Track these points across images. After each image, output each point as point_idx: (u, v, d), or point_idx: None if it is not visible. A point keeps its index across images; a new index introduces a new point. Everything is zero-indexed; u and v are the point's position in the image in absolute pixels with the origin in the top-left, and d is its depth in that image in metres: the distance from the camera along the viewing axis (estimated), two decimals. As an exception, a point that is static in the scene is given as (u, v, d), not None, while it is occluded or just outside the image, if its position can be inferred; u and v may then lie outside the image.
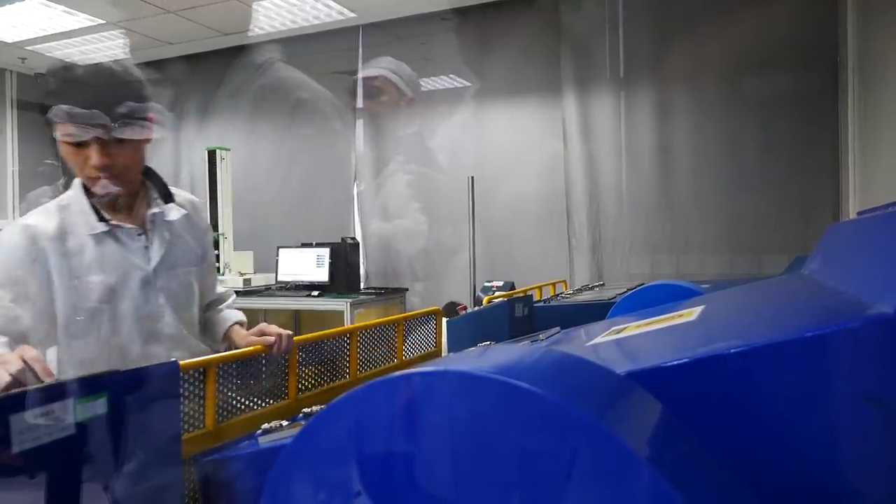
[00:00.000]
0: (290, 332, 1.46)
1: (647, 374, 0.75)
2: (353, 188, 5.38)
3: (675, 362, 0.75)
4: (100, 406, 0.80)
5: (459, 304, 4.38)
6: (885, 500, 0.66)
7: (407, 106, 4.86)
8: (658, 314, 1.48)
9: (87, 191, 1.56)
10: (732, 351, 0.73)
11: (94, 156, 1.47)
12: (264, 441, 1.00)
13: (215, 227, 5.03)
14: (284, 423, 1.05)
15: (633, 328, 1.29)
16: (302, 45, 5.28)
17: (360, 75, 5.10)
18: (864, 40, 3.40)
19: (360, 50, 5.16)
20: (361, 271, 5.09)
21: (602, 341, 1.25)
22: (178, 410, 0.95)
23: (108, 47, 5.68)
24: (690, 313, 1.24)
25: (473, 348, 1.32)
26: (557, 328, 1.79)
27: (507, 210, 4.67)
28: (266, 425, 1.04)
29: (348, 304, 4.44)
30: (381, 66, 4.74)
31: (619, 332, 1.30)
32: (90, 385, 0.80)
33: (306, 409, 1.11)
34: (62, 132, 1.45)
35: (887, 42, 3.03)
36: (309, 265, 4.88)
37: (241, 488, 0.96)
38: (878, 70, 3.16)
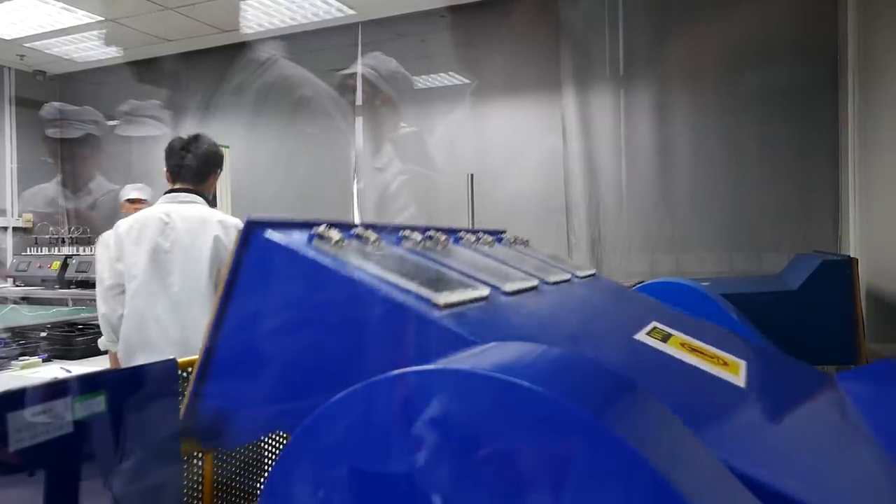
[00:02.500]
0: None
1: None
2: (353, 185, 5.38)
3: (760, 480, 0.75)
4: (98, 404, 0.80)
5: None
6: None
7: (382, 104, 4.82)
8: (683, 323, 1.41)
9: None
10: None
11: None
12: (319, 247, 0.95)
13: (214, 224, 5.03)
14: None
15: (677, 345, 1.22)
16: (301, 43, 5.27)
17: (358, 72, 5.09)
18: (864, 36, 3.39)
19: (360, 47, 5.15)
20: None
21: (648, 344, 1.17)
22: (176, 409, 0.94)
23: (106, 44, 5.67)
24: (735, 368, 1.19)
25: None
26: (593, 270, 1.75)
27: (506, 207, 4.66)
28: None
29: (347, 301, 4.43)
30: (364, 63, 4.71)
31: (662, 338, 1.23)
32: (88, 383, 0.80)
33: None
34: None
35: (887, 38, 3.02)
36: (308, 263, 4.87)
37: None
38: (879, 66, 3.15)
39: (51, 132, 5.71)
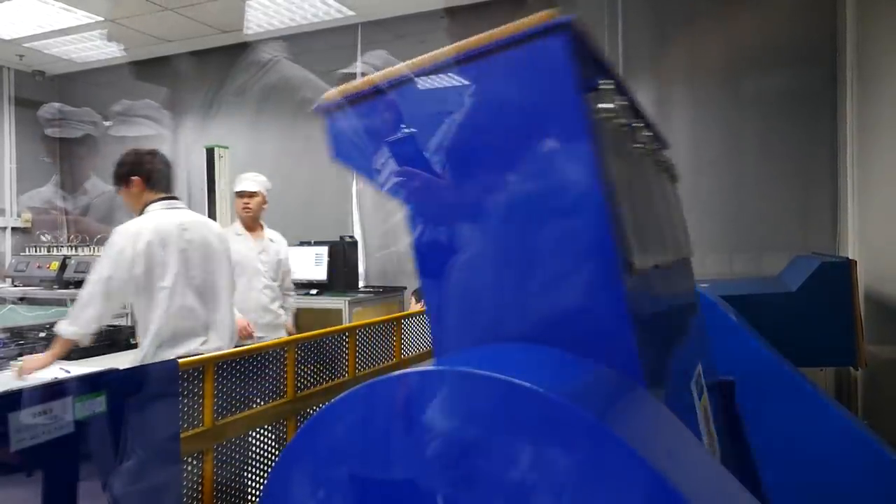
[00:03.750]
0: None
1: None
2: (353, 187, 5.38)
3: None
4: (98, 404, 0.80)
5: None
6: None
7: None
8: (710, 376, 1.46)
9: None
10: None
11: None
12: None
13: (213, 224, 5.03)
14: None
15: (702, 408, 1.27)
16: (301, 43, 5.27)
17: (357, 72, 5.09)
18: (863, 37, 3.40)
19: (359, 48, 5.16)
20: (360, 270, 5.08)
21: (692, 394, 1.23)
22: (177, 408, 0.94)
23: (105, 44, 5.67)
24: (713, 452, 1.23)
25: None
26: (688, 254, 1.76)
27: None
28: None
29: (346, 302, 4.44)
30: (365, 62, 4.71)
31: (698, 392, 1.27)
32: (89, 383, 0.80)
33: None
34: None
35: (885, 39, 3.03)
36: (307, 263, 4.87)
37: None
38: (877, 67, 3.16)
39: (50, 132, 5.71)
